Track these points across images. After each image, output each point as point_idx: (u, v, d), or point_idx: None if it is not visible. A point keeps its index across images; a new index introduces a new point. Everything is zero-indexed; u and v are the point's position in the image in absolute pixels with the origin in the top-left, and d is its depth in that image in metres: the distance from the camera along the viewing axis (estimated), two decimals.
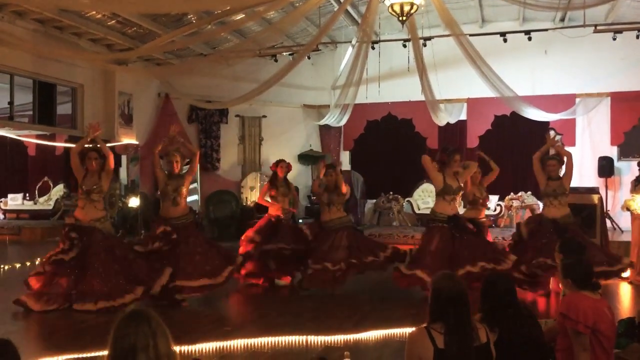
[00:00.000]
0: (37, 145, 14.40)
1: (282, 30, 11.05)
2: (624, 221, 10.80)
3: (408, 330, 4.50)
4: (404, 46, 11.05)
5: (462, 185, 7.02)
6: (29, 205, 15.14)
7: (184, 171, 6.98)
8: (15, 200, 15.15)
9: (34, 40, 10.39)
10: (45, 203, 14.95)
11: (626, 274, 7.65)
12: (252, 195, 13.74)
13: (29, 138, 13.46)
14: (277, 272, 7.60)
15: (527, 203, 12.47)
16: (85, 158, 6.30)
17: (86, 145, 6.37)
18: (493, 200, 12.68)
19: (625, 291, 7.25)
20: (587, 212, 8.33)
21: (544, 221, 6.82)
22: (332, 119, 13.10)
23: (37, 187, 15.23)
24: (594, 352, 3.27)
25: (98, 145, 6.39)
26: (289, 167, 7.93)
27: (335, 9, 10.32)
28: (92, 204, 6.25)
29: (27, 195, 15.36)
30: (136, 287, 5.94)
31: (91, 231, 6.18)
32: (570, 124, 12.80)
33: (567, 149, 13.05)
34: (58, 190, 14.93)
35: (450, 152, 6.96)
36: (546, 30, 11.24)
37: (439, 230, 6.76)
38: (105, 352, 2.13)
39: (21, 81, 11.34)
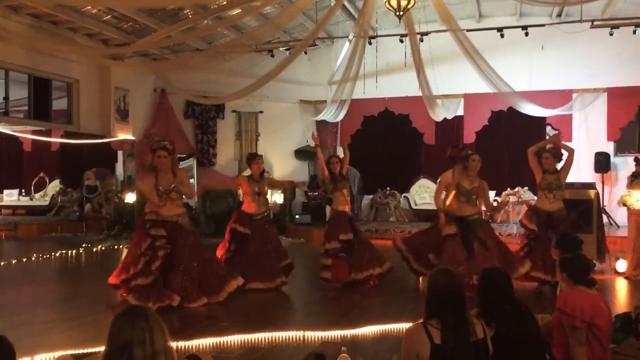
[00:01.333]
0: (33, 140, 14.34)
1: (278, 25, 11.02)
2: (621, 216, 10.84)
3: (405, 325, 4.51)
4: (401, 41, 11.02)
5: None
6: (25, 201, 15.11)
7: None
8: (11, 196, 15.11)
9: (29, 35, 10.33)
10: (41, 199, 14.92)
11: (622, 269, 7.70)
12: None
13: (25, 133, 13.41)
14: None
15: (523, 198, 12.48)
16: (154, 156, 6.13)
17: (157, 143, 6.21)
18: (490, 195, 12.71)
19: (621, 286, 7.27)
20: (584, 207, 8.34)
21: (539, 213, 6.85)
22: (328, 115, 13.08)
23: (33, 182, 15.19)
24: (591, 346, 3.28)
25: (165, 143, 6.17)
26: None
27: (332, 4, 10.29)
28: (173, 202, 6.16)
29: (23, 191, 15.32)
30: (202, 297, 6.04)
31: (174, 225, 6.12)
32: (567, 119, 12.81)
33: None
34: (54, 186, 14.90)
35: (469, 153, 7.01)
36: (543, 25, 11.24)
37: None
38: (100, 349, 2.13)
39: (16, 76, 11.28)
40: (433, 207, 13.28)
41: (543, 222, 6.77)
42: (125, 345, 2.06)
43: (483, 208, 7.05)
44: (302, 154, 14.02)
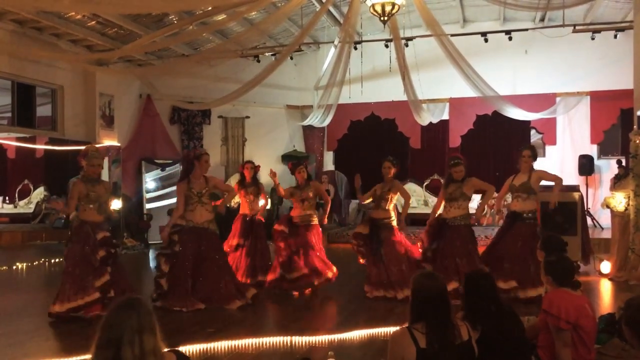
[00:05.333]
0: (17, 147, 14.19)
1: (264, 30, 11.03)
2: (604, 218, 10.96)
3: (392, 329, 4.52)
4: (386, 46, 11.09)
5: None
6: (9, 208, 14.93)
7: None
8: None
9: (12, 42, 10.23)
10: (26, 206, 14.74)
11: (607, 270, 7.78)
12: (236, 196, 13.67)
13: (9, 140, 13.26)
14: None
15: (508, 202, 12.54)
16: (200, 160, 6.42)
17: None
18: (475, 199, 12.76)
19: (605, 288, 7.34)
20: (568, 209, 8.42)
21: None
22: (315, 120, 13.11)
23: (17, 190, 15.01)
24: (575, 348, 3.31)
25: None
26: (256, 169, 7.98)
27: (318, 9, 10.33)
28: (203, 207, 6.36)
29: (7, 198, 15.14)
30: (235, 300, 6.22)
31: (204, 232, 6.34)
32: (551, 123, 12.95)
33: (549, 147, 13.28)
34: (38, 193, 14.72)
35: None
36: (526, 30, 11.36)
37: None
38: (84, 357, 2.12)
39: None
40: (419, 211, 13.45)
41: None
42: (114, 342, 2.06)
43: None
44: (289, 159, 13.99)
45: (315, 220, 7.20)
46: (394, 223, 6.92)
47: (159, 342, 2.18)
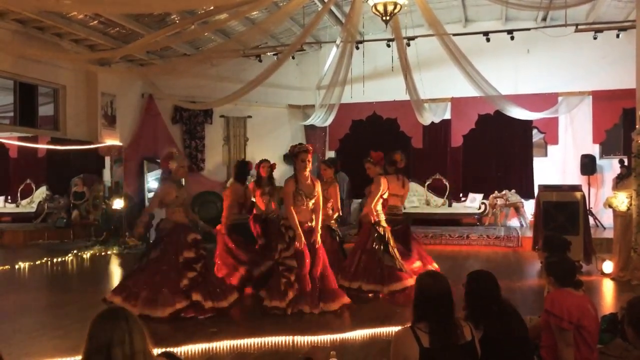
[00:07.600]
0: (19, 147, 14.21)
1: (266, 30, 11.03)
2: (607, 218, 10.95)
3: (394, 329, 4.52)
4: (388, 46, 11.09)
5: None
6: (11, 208, 14.95)
7: None
8: None
9: (14, 41, 10.25)
10: (28, 206, 14.76)
11: (609, 270, 7.78)
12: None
13: (11, 140, 13.28)
14: None
15: (511, 201, 12.56)
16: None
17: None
18: (477, 198, 12.78)
19: (608, 287, 7.34)
20: (571, 209, 8.43)
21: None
22: (317, 119, 13.11)
23: (19, 189, 15.04)
24: (578, 348, 3.31)
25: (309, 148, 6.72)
26: (272, 167, 7.84)
27: (319, 9, 10.33)
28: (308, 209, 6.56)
29: (9, 197, 15.16)
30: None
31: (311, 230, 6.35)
32: (553, 122, 12.94)
33: (551, 147, 13.28)
34: (41, 193, 14.75)
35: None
36: (528, 29, 11.36)
37: None
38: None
39: (1, 82, 11.19)
40: (420, 210, 13.43)
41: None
42: (104, 345, 2.07)
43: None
44: (291, 158, 13.99)
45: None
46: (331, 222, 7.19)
47: (148, 345, 2.18)
